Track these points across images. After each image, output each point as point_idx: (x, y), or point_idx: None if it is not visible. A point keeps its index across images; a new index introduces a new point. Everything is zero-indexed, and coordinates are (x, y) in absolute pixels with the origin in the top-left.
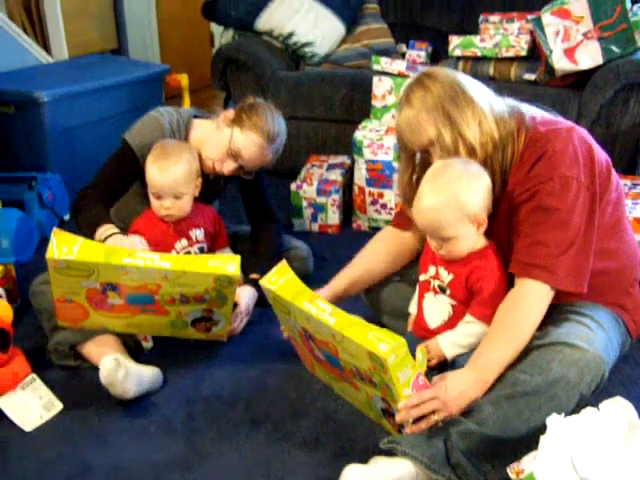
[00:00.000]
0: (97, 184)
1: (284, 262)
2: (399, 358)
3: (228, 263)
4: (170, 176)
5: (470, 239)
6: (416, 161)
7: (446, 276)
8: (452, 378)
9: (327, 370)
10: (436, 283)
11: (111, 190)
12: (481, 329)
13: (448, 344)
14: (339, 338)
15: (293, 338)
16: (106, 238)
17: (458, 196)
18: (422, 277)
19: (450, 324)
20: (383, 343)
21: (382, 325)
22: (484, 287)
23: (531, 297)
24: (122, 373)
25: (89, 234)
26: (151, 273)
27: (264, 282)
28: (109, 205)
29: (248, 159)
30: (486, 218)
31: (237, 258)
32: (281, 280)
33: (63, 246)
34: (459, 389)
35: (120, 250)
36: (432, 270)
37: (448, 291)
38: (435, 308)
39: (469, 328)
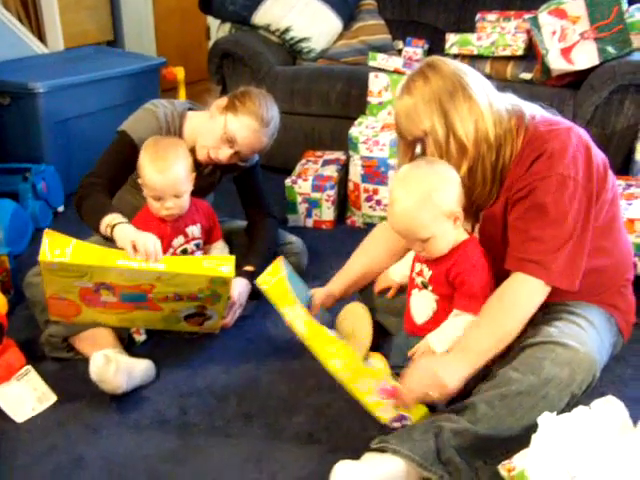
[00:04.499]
0: (99, 173)
1: (279, 260)
2: (353, 373)
3: (222, 264)
4: (171, 177)
5: (448, 236)
6: (416, 147)
7: (427, 272)
8: (428, 357)
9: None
10: (420, 280)
11: (113, 179)
12: (469, 320)
13: (437, 341)
14: (309, 347)
15: None
16: (114, 226)
17: (430, 194)
18: (412, 274)
19: (434, 320)
20: (338, 359)
21: (377, 322)
22: (465, 280)
23: (520, 290)
24: (112, 369)
25: (93, 223)
26: (144, 274)
27: (259, 281)
28: (112, 195)
29: (243, 144)
30: (462, 211)
31: (232, 259)
32: (273, 280)
33: (55, 248)
34: (433, 363)
35: (114, 252)
36: (417, 267)
37: (430, 287)
38: (420, 304)
39: (456, 321)
